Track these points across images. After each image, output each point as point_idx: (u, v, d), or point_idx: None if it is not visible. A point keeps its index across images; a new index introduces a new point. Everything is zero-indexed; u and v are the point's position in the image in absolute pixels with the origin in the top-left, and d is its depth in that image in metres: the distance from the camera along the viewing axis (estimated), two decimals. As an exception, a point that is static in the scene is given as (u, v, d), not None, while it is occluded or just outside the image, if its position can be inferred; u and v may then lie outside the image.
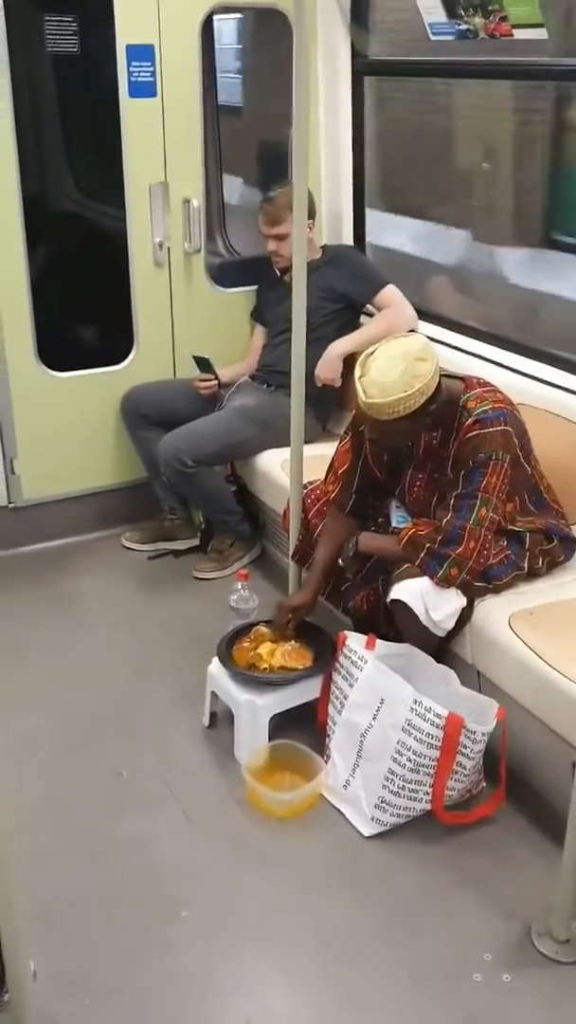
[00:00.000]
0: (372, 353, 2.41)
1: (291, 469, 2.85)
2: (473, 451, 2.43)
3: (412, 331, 3.61)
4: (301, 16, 2.39)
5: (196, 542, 3.85)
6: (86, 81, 3.95)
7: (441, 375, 2.43)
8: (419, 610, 2.47)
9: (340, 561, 2.76)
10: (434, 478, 2.59)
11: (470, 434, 2.44)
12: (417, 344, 2.40)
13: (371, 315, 3.72)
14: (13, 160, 3.39)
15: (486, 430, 2.43)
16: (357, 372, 2.40)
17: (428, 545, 2.46)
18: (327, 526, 2.82)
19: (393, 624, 2.62)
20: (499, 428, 2.44)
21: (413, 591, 2.47)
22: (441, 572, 2.45)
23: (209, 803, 2.59)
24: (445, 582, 2.45)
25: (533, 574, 2.66)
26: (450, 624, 2.52)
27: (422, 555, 2.47)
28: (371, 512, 2.81)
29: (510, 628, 2.46)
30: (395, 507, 2.77)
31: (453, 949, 2.16)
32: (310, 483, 2.92)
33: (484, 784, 2.55)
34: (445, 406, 2.45)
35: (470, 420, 2.44)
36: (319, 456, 2.98)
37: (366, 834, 2.45)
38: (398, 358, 2.35)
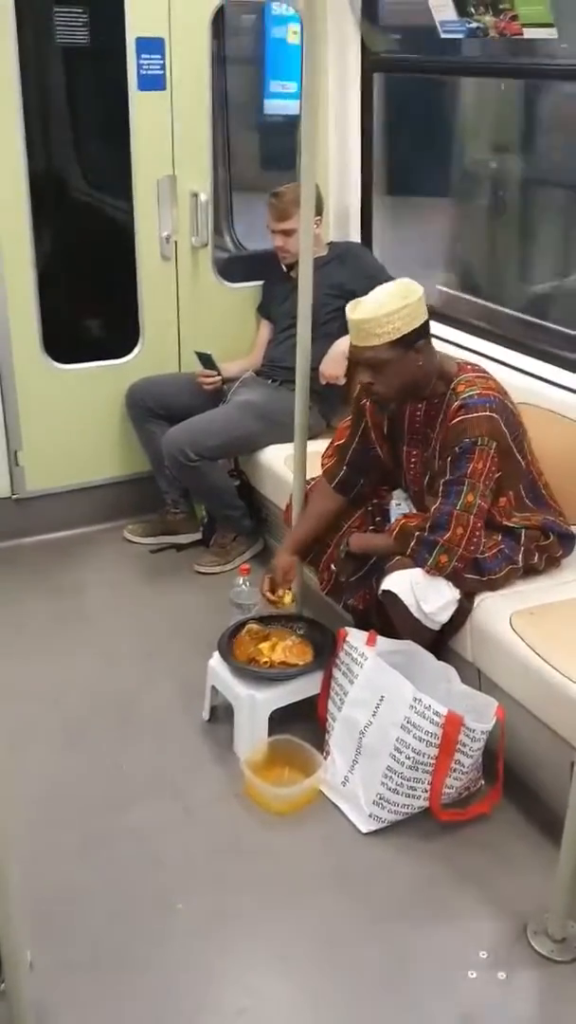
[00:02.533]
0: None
1: (294, 464, 2.86)
2: (458, 436, 2.45)
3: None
4: (312, 12, 2.40)
5: (198, 536, 3.86)
6: (95, 74, 3.95)
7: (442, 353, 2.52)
8: (409, 601, 2.47)
9: (333, 566, 2.79)
10: (424, 457, 2.61)
11: (455, 419, 2.46)
12: (406, 282, 2.50)
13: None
14: (21, 152, 3.39)
15: (471, 415, 2.45)
16: (348, 309, 2.49)
17: (418, 534, 2.48)
18: (312, 498, 2.86)
19: (389, 620, 2.62)
20: (484, 414, 2.45)
21: (403, 582, 2.48)
22: (431, 559, 2.45)
23: (208, 797, 2.60)
24: (436, 570, 2.46)
25: (531, 570, 2.67)
26: (443, 617, 2.52)
27: (412, 544, 2.48)
28: (361, 494, 2.83)
29: (511, 627, 2.46)
30: (395, 504, 2.78)
31: (449, 946, 2.16)
32: (313, 479, 2.92)
33: (483, 782, 2.56)
34: (436, 380, 2.52)
35: (456, 404, 2.47)
36: (322, 452, 2.98)
37: (364, 831, 2.46)
38: (388, 290, 2.47)
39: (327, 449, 2.89)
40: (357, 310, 2.46)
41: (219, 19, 3.75)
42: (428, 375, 2.52)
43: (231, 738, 2.73)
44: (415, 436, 2.65)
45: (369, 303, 2.45)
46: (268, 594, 2.85)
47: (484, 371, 2.60)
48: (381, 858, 2.40)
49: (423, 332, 2.47)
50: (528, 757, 2.50)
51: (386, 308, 2.40)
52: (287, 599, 2.86)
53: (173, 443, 3.49)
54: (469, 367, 2.58)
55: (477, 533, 2.47)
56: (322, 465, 2.89)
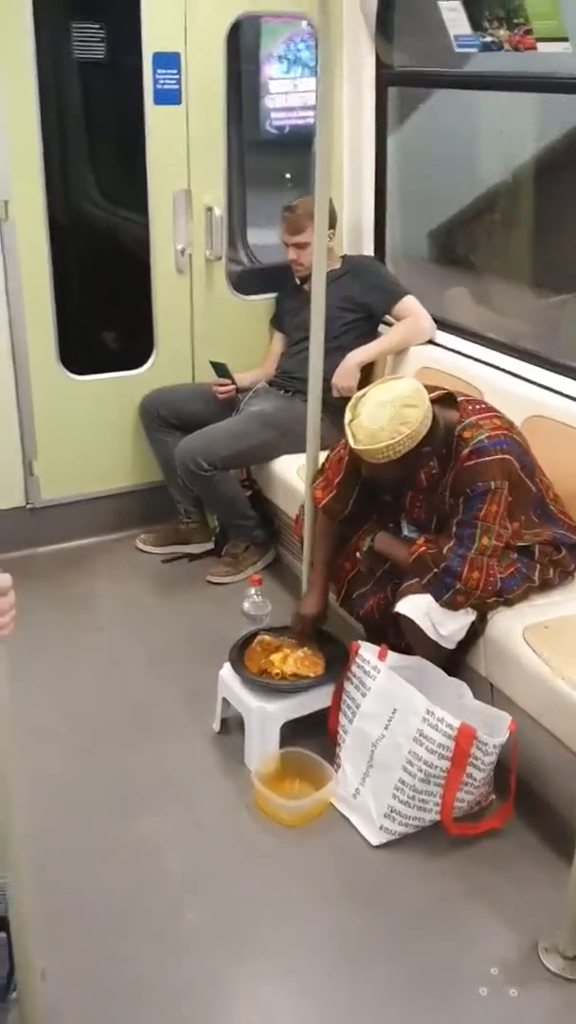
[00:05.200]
0: (363, 396, 2.41)
1: (306, 475, 2.86)
2: (471, 480, 2.42)
3: (430, 342, 3.64)
4: (327, 26, 2.42)
5: (210, 546, 3.86)
6: (112, 88, 3.98)
7: (436, 400, 2.43)
8: (425, 626, 2.47)
9: (358, 555, 2.76)
10: (432, 501, 2.59)
11: (467, 463, 2.42)
12: (408, 389, 2.39)
13: (390, 325, 3.73)
14: (38, 165, 3.42)
15: (483, 459, 2.41)
16: (348, 415, 2.40)
17: (435, 570, 2.46)
18: (320, 529, 2.80)
19: (403, 635, 2.62)
20: (496, 457, 2.42)
21: (419, 607, 2.48)
22: (447, 597, 2.45)
23: (218, 808, 2.60)
24: (451, 606, 2.46)
25: (545, 585, 2.66)
26: (460, 636, 2.52)
27: (429, 578, 2.47)
28: (366, 521, 2.79)
29: (524, 641, 2.46)
30: (406, 522, 2.77)
31: (459, 962, 2.16)
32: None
33: (494, 797, 2.55)
34: (441, 438, 2.44)
35: (467, 450, 2.42)
36: (316, 482, 2.96)
37: (374, 843, 2.45)
38: (387, 404, 2.35)
39: (320, 480, 2.77)
40: (355, 434, 2.36)
41: (235, 34, 3.77)
42: (432, 455, 2.45)
43: (242, 749, 2.73)
44: (421, 486, 2.58)
45: (366, 431, 2.34)
46: (300, 639, 2.79)
47: (487, 407, 2.55)
48: (392, 871, 2.39)
49: (426, 438, 2.36)
50: (541, 772, 2.49)
51: (386, 440, 2.31)
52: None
53: (186, 452, 3.50)
54: (470, 407, 2.51)
55: (492, 571, 2.46)
56: (315, 497, 2.77)
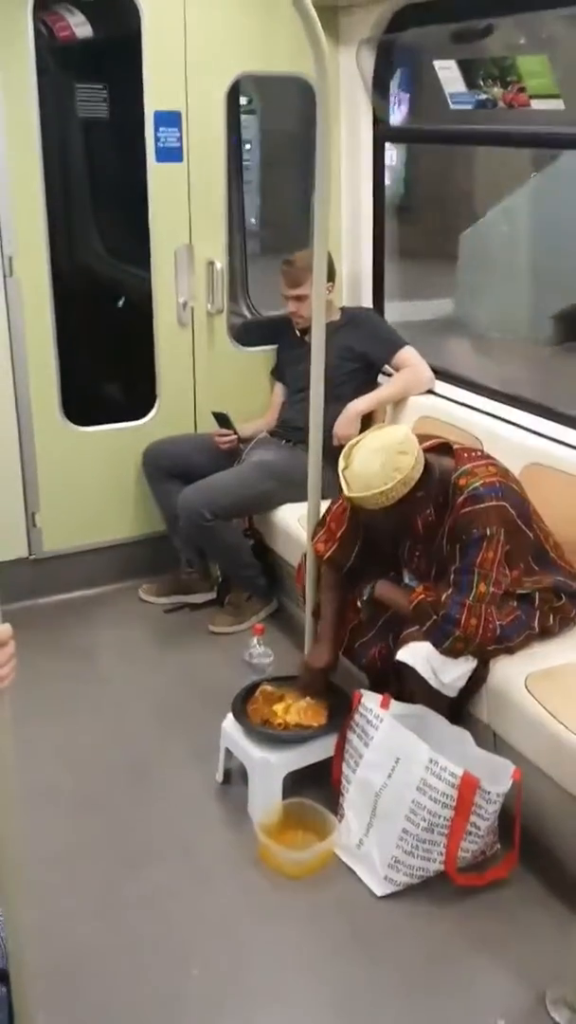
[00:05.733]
0: (356, 444, 2.46)
1: (308, 524, 2.87)
2: (467, 527, 2.44)
3: (429, 391, 3.67)
4: (324, 85, 2.47)
5: (213, 596, 3.87)
6: (115, 146, 4.07)
7: (432, 449, 2.48)
8: (427, 674, 2.47)
9: (359, 603, 2.76)
10: (430, 551, 2.60)
11: (463, 511, 2.44)
12: (398, 436, 2.42)
13: (389, 375, 3.77)
14: (43, 221, 3.48)
15: (479, 506, 2.43)
16: (341, 464, 2.44)
17: (434, 617, 2.47)
18: (326, 582, 2.81)
19: (405, 683, 2.62)
20: (492, 504, 2.44)
21: (419, 655, 2.48)
22: (447, 644, 2.45)
23: (222, 860, 2.58)
24: (451, 654, 2.46)
25: (546, 633, 2.66)
26: (461, 684, 2.52)
27: (428, 625, 2.48)
28: (369, 574, 2.78)
29: (527, 689, 2.45)
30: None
31: (466, 1013, 2.13)
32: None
33: (499, 846, 2.53)
34: (437, 485, 2.47)
35: (462, 498, 2.44)
36: (317, 535, 2.98)
37: (379, 894, 2.43)
38: (379, 451, 2.39)
39: (321, 532, 2.78)
40: (348, 482, 2.41)
41: (234, 93, 3.85)
42: (429, 495, 2.48)
43: (245, 800, 2.72)
44: (425, 533, 2.59)
45: (359, 479, 2.38)
46: (310, 691, 2.78)
47: (483, 455, 2.57)
48: (397, 922, 2.37)
49: (418, 484, 2.40)
50: (545, 821, 2.48)
51: (379, 487, 2.35)
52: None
53: (188, 502, 3.52)
54: (466, 455, 2.54)
55: (491, 619, 2.46)
56: (317, 550, 2.78)
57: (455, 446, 2.57)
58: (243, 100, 4.88)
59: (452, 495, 2.47)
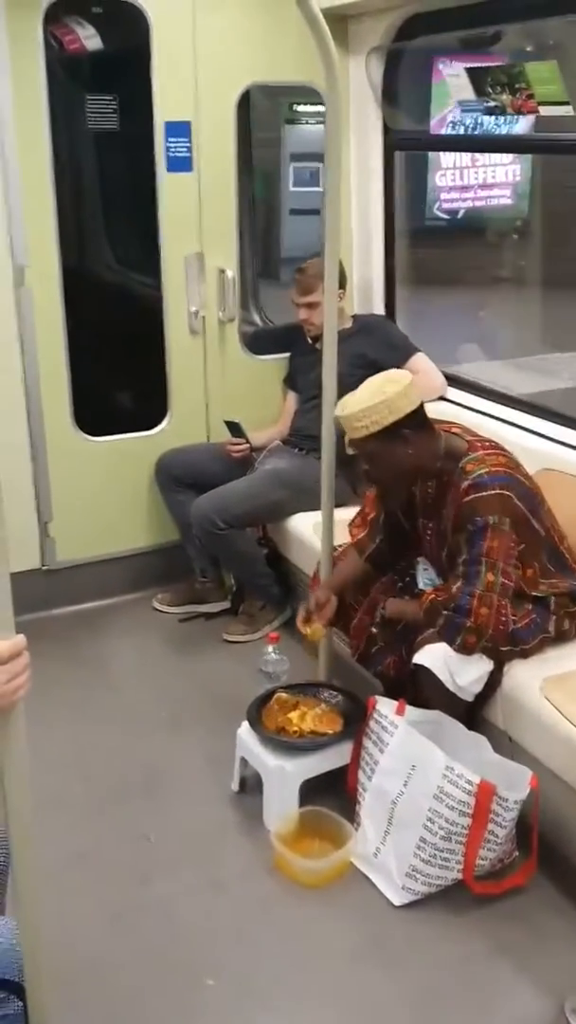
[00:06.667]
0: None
1: (322, 532, 2.87)
2: (471, 515, 2.45)
3: (442, 398, 3.67)
4: (334, 93, 2.48)
5: (227, 605, 3.87)
6: (125, 156, 4.08)
7: (445, 430, 2.57)
8: (443, 676, 2.46)
9: (373, 628, 2.78)
10: (440, 529, 2.62)
11: (466, 499, 2.46)
12: (395, 373, 2.59)
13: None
14: (54, 232, 3.50)
15: (481, 494, 2.44)
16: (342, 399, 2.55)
17: (445, 613, 2.47)
18: (346, 556, 2.92)
19: (421, 688, 2.61)
20: (494, 492, 2.45)
21: (436, 656, 2.47)
22: (459, 640, 2.45)
23: (237, 869, 2.57)
24: (465, 650, 2.45)
25: (561, 637, 2.65)
26: (477, 688, 2.51)
27: (440, 622, 2.48)
28: (388, 564, 2.85)
29: (542, 694, 2.44)
30: (422, 569, 2.78)
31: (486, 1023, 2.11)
32: (340, 546, 2.94)
33: (516, 854, 2.51)
34: (443, 455, 2.54)
35: (466, 484, 2.47)
36: (349, 519, 3.00)
37: (396, 903, 2.42)
38: (374, 380, 2.54)
39: (356, 518, 2.91)
40: (341, 404, 2.53)
41: (245, 102, 3.87)
42: (424, 461, 2.54)
43: (261, 809, 2.71)
44: (428, 511, 2.66)
45: (350, 398, 2.51)
46: (300, 625, 2.87)
47: (496, 446, 2.59)
48: (414, 932, 2.35)
49: (409, 422, 2.48)
50: (563, 828, 2.46)
51: (363, 404, 2.46)
52: (318, 634, 2.85)
53: (201, 512, 3.52)
54: (479, 444, 2.56)
55: (504, 611, 2.46)
56: (351, 535, 2.90)
57: (469, 437, 2.60)
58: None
59: (457, 478, 2.50)
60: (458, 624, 2.44)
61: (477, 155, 4.20)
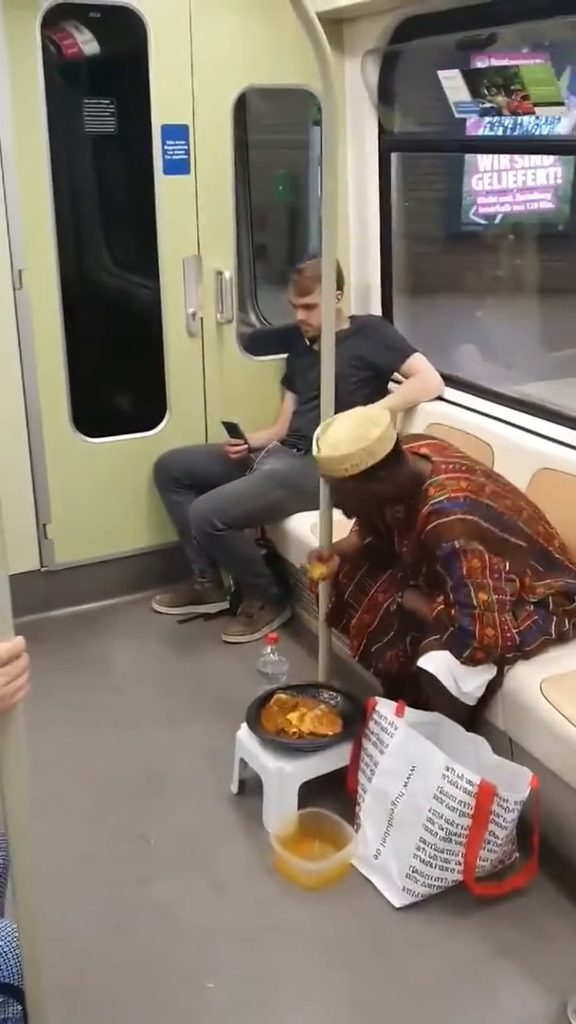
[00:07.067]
0: (336, 417, 2.57)
1: (320, 532, 2.87)
2: (436, 542, 2.45)
3: (439, 398, 3.68)
4: (330, 96, 2.49)
5: (226, 605, 3.87)
6: (123, 159, 4.09)
7: (413, 452, 2.56)
8: (448, 682, 2.47)
9: (398, 598, 2.79)
10: (415, 547, 2.61)
11: (428, 526, 2.46)
12: (374, 413, 2.55)
13: (399, 382, 3.77)
14: (52, 234, 3.50)
15: (441, 520, 2.44)
16: (318, 431, 2.54)
17: (452, 629, 2.47)
18: (347, 538, 2.96)
19: (422, 689, 2.61)
20: (455, 517, 2.44)
21: (441, 663, 2.47)
22: (467, 654, 2.45)
23: (237, 871, 2.57)
24: (472, 663, 2.46)
25: (562, 638, 2.65)
26: (479, 693, 2.51)
27: (447, 637, 2.48)
28: (385, 563, 2.86)
29: (542, 694, 2.44)
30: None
31: (487, 1025, 2.11)
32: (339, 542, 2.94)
33: (517, 855, 2.51)
34: (408, 482, 2.53)
35: (426, 510, 2.47)
36: (348, 520, 3.00)
37: (397, 905, 2.42)
38: (354, 418, 2.52)
39: (354, 523, 2.93)
40: (319, 445, 2.51)
41: (241, 105, 3.87)
42: (393, 493, 2.55)
43: (260, 811, 2.71)
44: (401, 529, 2.67)
45: (329, 441, 2.49)
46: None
47: (461, 468, 2.57)
48: (415, 933, 2.35)
49: (386, 463, 2.47)
50: (563, 828, 2.46)
51: (343, 450, 2.44)
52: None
53: (200, 512, 3.53)
54: (444, 466, 2.55)
55: (507, 626, 2.46)
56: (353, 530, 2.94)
57: (436, 458, 2.58)
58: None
59: (420, 501, 2.50)
60: (465, 643, 2.45)
61: (516, 157, 4.03)
